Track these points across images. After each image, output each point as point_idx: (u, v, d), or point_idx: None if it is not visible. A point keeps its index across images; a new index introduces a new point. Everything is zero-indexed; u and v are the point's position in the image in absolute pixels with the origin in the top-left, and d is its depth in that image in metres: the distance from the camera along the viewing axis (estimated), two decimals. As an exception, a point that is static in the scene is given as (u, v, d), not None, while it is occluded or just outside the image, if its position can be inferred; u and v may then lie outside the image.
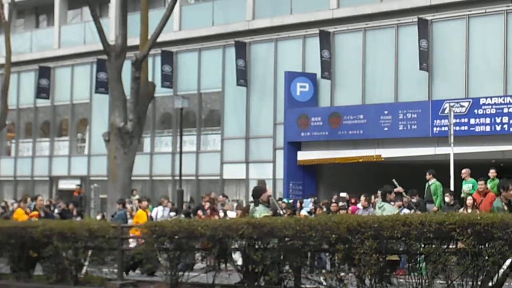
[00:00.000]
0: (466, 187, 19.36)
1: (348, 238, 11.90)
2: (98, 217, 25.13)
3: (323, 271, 13.80)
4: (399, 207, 18.76)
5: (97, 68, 34.23)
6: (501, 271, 11.53)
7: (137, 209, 21.68)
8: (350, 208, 20.03)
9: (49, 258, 16.17)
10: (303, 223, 12.57)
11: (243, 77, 30.50)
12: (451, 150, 21.10)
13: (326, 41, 28.50)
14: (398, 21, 27.50)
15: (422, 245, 11.45)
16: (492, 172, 19.10)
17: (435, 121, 25.08)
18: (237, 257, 14.41)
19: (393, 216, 12.07)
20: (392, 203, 16.38)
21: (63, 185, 36.27)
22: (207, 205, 22.21)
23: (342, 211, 18.82)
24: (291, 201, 23.79)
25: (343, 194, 22.94)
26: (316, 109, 28.42)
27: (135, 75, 25.54)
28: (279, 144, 29.26)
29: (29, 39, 39.43)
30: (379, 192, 16.24)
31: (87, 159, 36.06)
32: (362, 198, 19.28)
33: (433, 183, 20.10)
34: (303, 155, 28.30)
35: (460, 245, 11.19)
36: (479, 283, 11.21)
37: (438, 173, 20.43)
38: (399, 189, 18.71)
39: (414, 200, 19.65)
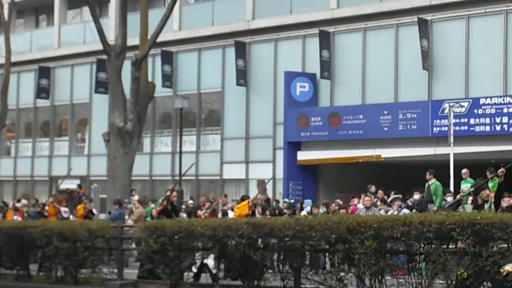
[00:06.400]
0: (465, 187, 19.35)
1: (348, 238, 11.90)
2: (102, 217, 25.24)
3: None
4: (400, 207, 18.82)
5: (97, 68, 34.23)
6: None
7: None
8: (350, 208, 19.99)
9: (49, 258, 16.16)
10: (303, 223, 12.56)
11: (243, 77, 30.48)
12: (451, 150, 21.10)
13: (326, 41, 28.49)
14: (398, 21, 27.48)
15: (422, 245, 11.45)
16: (488, 175, 19.02)
17: (435, 121, 25.07)
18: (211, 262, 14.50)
19: (393, 216, 12.08)
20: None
21: (63, 185, 36.20)
22: (206, 205, 22.15)
23: (342, 211, 18.80)
24: (292, 201, 23.70)
25: (338, 201, 22.60)
26: (316, 109, 28.40)
27: (135, 75, 25.51)
28: (279, 144, 29.24)
29: (29, 39, 39.42)
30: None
31: (87, 159, 36.04)
32: (365, 198, 19.19)
33: (433, 183, 20.08)
34: (303, 155, 28.29)
35: (460, 245, 11.20)
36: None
37: (438, 173, 20.41)
38: None
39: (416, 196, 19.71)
